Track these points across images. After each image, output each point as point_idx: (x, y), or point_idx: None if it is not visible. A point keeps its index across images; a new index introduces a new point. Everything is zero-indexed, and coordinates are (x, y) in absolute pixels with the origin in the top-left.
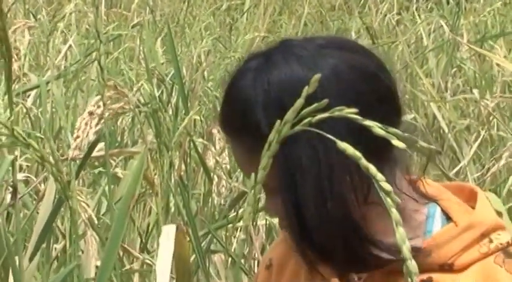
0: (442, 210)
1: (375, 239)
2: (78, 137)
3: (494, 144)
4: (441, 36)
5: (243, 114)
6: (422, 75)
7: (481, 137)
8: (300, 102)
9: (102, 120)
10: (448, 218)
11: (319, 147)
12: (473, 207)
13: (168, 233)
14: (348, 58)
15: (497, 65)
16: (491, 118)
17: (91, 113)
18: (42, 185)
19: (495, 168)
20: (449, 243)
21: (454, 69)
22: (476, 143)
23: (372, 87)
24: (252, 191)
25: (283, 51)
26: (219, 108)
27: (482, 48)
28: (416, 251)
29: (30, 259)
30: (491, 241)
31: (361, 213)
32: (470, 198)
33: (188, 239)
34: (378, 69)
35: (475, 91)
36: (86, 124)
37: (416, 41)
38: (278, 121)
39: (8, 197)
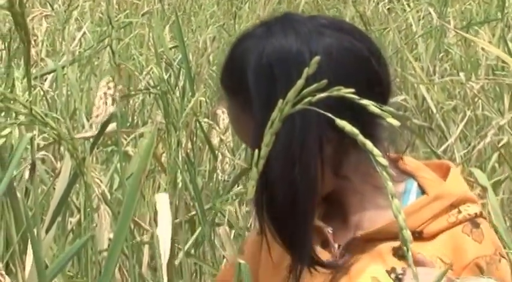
0: (419, 185)
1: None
2: (97, 115)
3: (479, 123)
4: (429, 23)
5: (240, 74)
6: (412, 60)
7: (467, 116)
8: (300, 83)
9: (115, 101)
10: (423, 192)
11: (297, 118)
12: None
13: (163, 202)
14: (343, 40)
15: (482, 49)
16: (476, 99)
17: (105, 94)
18: (58, 163)
19: (481, 146)
20: (419, 212)
21: (442, 54)
22: (463, 123)
23: (360, 70)
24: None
25: (283, 23)
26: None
27: (468, 34)
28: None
29: (47, 231)
30: (459, 212)
31: (330, 185)
32: (447, 174)
33: (194, 212)
34: (371, 54)
35: (461, 74)
36: (104, 103)
37: (406, 28)
38: (281, 100)
39: (27, 173)
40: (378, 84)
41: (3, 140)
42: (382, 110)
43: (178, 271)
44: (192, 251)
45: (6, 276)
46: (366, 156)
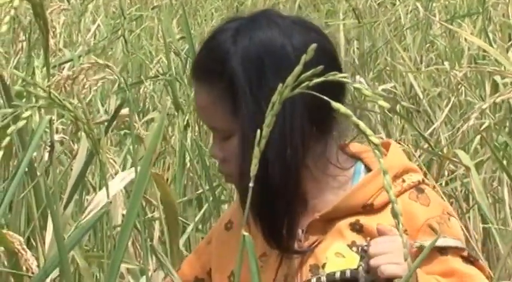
0: (365, 165)
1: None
2: None
3: (462, 108)
4: (416, 17)
5: (220, 63)
6: (400, 50)
7: (451, 102)
8: (298, 69)
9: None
10: (370, 170)
11: (287, 105)
12: None
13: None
14: (314, 36)
15: (465, 40)
16: (460, 86)
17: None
18: (75, 145)
19: (464, 128)
20: (366, 187)
21: (428, 45)
22: (447, 108)
23: (331, 63)
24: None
25: (266, 18)
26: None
27: (452, 26)
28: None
29: (65, 208)
30: (404, 181)
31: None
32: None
33: (201, 190)
34: (334, 49)
35: (446, 63)
36: None
37: (395, 21)
38: (280, 84)
39: (46, 155)
40: (339, 69)
41: (24, 121)
42: (374, 93)
43: (187, 245)
44: (200, 226)
45: (28, 250)
46: (327, 148)
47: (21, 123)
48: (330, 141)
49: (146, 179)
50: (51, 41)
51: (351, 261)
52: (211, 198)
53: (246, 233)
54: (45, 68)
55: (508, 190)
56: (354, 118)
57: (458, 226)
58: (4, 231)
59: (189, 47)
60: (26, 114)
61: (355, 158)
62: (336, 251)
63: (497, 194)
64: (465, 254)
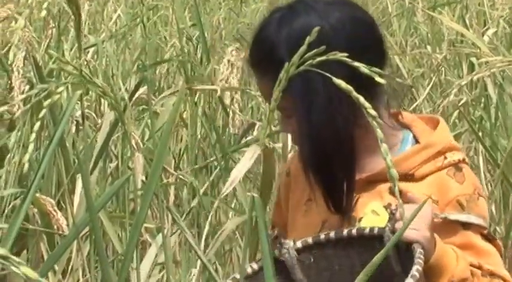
0: (414, 135)
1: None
2: (221, 80)
3: (442, 86)
4: (402, 5)
5: (269, 53)
6: (387, 35)
7: (432, 81)
8: (303, 48)
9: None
10: (417, 141)
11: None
12: None
13: (253, 152)
14: (349, 12)
15: (445, 26)
16: (440, 67)
17: (229, 61)
18: (99, 119)
19: (445, 102)
20: (412, 158)
21: (412, 31)
22: (429, 86)
23: (369, 34)
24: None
25: (303, 4)
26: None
27: (434, 13)
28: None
29: (90, 174)
30: (445, 158)
31: (353, 132)
32: (437, 126)
33: (211, 159)
34: (372, 21)
35: (428, 47)
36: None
37: (383, 9)
38: (286, 63)
39: (73, 128)
40: (382, 43)
41: (58, 96)
42: (371, 70)
43: (198, 206)
44: (209, 191)
45: (58, 211)
46: (379, 111)
47: (56, 97)
48: (381, 105)
49: (166, 148)
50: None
51: (383, 221)
52: (219, 167)
53: (255, 195)
54: (73, 51)
55: (483, 158)
56: (354, 93)
57: (485, 206)
58: (37, 195)
59: (199, 33)
60: (60, 89)
61: (405, 127)
62: (372, 208)
63: (474, 162)
64: (485, 232)
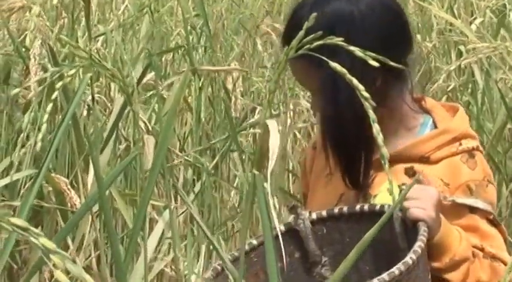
0: (434, 121)
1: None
2: None
3: (432, 73)
4: None
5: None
6: None
7: (422, 68)
8: (301, 33)
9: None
10: (436, 126)
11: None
12: None
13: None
14: None
15: (435, 16)
16: (430, 54)
17: None
18: (109, 104)
19: (434, 87)
20: (429, 142)
21: None
22: (419, 73)
23: (397, 19)
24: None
25: None
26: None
27: (424, 4)
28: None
29: (101, 155)
30: (460, 144)
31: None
32: (456, 114)
33: (214, 141)
34: (400, 7)
35: (418, 35)
36: None
37: None
38: (286, 46)
39: (85, 112)
40: (408, 29)
41: (70, 78)
42: (365, 54)
43: (203, 186)
44: (213, 171)
45: (72, 190)
46: (402, 93)
47: (67, 80)
48: (405, 88)
49: (171, 129)
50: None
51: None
52: (224, 147)
53: (256, 172)
54: (84, 39)
55: None
56: (348, 75)
57: (493, 193)
58: (52, 174)
59: (203, 22)
60: (71, 72)
61: (427, 112)
62: (387, 187)
63: None
64: (491, 217)
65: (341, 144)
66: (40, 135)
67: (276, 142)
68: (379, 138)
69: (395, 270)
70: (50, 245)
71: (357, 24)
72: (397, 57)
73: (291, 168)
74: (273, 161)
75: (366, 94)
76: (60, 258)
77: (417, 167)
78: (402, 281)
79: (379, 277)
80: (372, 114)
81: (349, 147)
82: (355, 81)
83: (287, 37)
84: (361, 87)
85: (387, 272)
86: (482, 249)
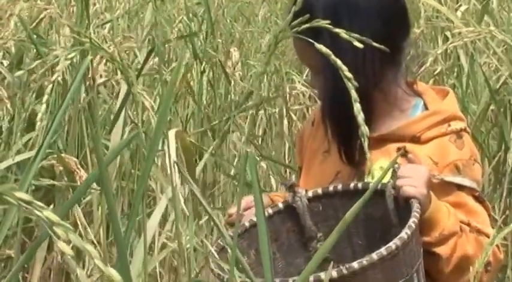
0: (425, 103)
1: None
2: None
3: (419, 57)
4: None
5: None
6: None
7: (411, 53)
8: (290, 17)
9: None
10: (427, 108)
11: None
12: None
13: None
14: None
15: (422, 3)
16: (418, 40)
17: None
18: (116, 87)
19: (421, 71)
20: (420, 122)
21: None
22: (408, 57)
23: (397, 3)
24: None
25: None
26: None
27: None
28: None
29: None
30: (449, 125)
31: (372, 94)
32: (446, 97)
33: (214, 123)
34: None
35: None
36: None
37: None
38: (276, 27)
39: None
40: (407, 14)
41: (69, 61)
42: (350, 36)
43: (205, 166)
44: (213, 152)
45: (81, 169)
46: (397, 77)
47: (66, 62)
48: (400, 72)
49: (169, 105)
50: (97, 6)
51: (388, 177)
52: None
53: (249, 150)
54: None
55: None
56: (333, 56)
57: (479, 172)
58: (63, 155)
59: (205, 10)
60: (71, 55)
61: (418, 95)
62: (380, 165)
63: None
64: (477, 194)
65: (338, 119)
66: (40, 115)
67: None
68: (360, 117)
69: (392, 245)
70: (54, 217)
71: (361, 8)
72: (396, 42)
73: (287, 148)
74: None
75: (349, 74)
76: (64, 230)
77: (409, 146)
78: (398, 255)
79: (377, 251)
80: (354, 94)
81: (346, 122)
82: (338, 62)
83: (293, 17)
84: (344, 68)
85: (384, 247)
86: (468, 224)
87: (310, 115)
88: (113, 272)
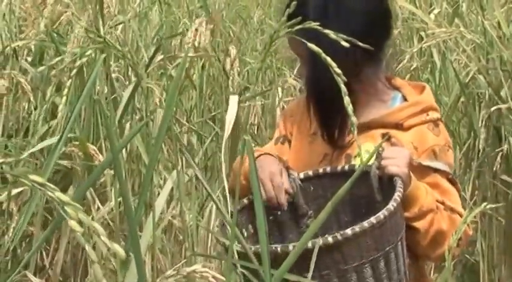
0: (403, 96)
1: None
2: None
3: (397, 55)
4: None
5: (298, 9)
6: None
7: (389, 51)
8: (283, 20)
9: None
10: (406, 100)
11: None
12: None
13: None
14: None
15: (399, 7)
16: (396, 40)
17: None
18: (127, 82)
19: (399, 67)
20: (402, 111)
21: None
22: (388, 53)
23: (382, 5)
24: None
25: None
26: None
27: None
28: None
29: (119, 122)
30: (427, 115)
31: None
32: (422, 91)
33: (215, 113)
34: None
35: None
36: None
37: None
38: (270, 28)
39: (106, 89)
40: (390, 16)
41: (86, 58)
42: (338, 35)
43: (206, 152)
44: (215, 139)
45: (100, 154)
46: (377, 71)
47: (84, 59)
48: (380, 68)
49: (175, 97)
50: (110, 9)
51: (373, 159)
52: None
53: (247, 137)
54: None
55: None
56: (323, 55)
57: (452, 156)
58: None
59: (205, 13)
60: (87, 53)
61: (396, 88)
62: (366, 148)
63: None
64: (450, 176)
65: (321, 107)
66: (61, 106)
67: (232, 114)
68: (349, 108)
69: (380, 214)
70: (64, 198)
71: (348, 8)
72: (378, 40)
73: None
74: (228, 131)
75: (338, 71)
76: (74, 209)
77: (393, 132)
78: (386, 224)
79: (367, 220)
80: (343, 88)
81: (326, 107)
82: (328, 59)
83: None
84: (334, 64)
85: (374, 216)
86: (442, 203)
87: (282, 112)
88: (118, 248)
